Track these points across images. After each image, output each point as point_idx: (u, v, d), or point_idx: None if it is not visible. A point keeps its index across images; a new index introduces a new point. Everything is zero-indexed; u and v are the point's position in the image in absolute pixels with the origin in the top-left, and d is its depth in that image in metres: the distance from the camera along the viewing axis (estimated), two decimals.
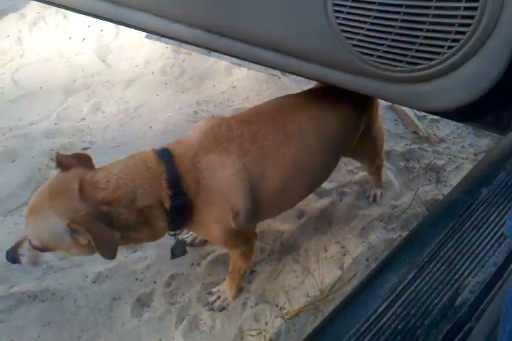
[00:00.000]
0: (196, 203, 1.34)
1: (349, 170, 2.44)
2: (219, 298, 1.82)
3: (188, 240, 2.02)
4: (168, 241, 2.01)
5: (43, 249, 1.25)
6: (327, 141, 1.56)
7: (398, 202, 2.29)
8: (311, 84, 1.84)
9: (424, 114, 2.80)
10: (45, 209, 1.19)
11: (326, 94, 1.65)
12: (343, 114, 1.61)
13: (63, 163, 1.30)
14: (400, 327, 1.20)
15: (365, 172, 2.41)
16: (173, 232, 1.40)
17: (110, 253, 1.19)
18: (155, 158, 1.31)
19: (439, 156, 2.56)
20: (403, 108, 2.78)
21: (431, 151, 2.58)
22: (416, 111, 2.81)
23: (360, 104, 1.67)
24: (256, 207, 1.43)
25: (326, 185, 2.34)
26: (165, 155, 1.33)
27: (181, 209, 1.32)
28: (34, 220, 1.21)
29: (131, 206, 1.24)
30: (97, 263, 1.92)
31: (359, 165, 2.44)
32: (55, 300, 1.82)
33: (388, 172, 2.41)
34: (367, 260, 2.02)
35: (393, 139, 2.63)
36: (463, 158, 2.56)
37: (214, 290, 1.85)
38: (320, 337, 1.27)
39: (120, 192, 1.22)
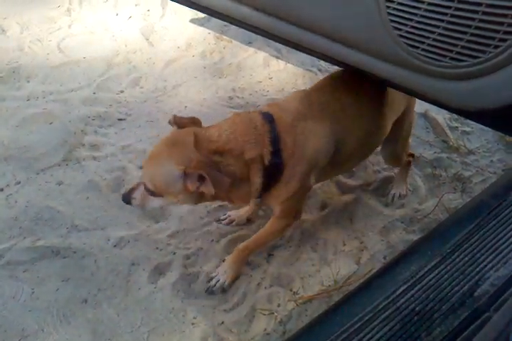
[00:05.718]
0: (288, 163, 1.48)
1: (375, 170, 2.45)
2: (218, 281, 1.81)
3: (226, 222, 2.06)
4: (190, 216, 2.05)
5: (155, 193, 1.43)
6: (387, 110, 1.77)
7: (422, 206, 2.29)
8: None
9: (456, 124, 2.82)
10: (162, 157, 1.39)
11: None
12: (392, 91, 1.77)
13: (178, 122, 1.49)
14: (417, 308, 1.22)
15: (390, 173, 2.42)
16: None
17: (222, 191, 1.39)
18: (260, 118, 1.48)
19: (467, 167, 2.56)
20: (436, 116, 2.79)
21: (459, 162, 2.58)
22: (448, 121, 2.83)
23: None
24: (328, 167, 1.62)
25: (350, 181, 2.36)
26: (269, 117, 1.49)
27: (276, 167, 1.47)
28: (152, 166, 1.41)
29: (239, 157, 1.41)
30: (120, 228, 1.96)
31: (385, 166, 2.46)
32: (76, 258, 1.85)
33: (415, 177, 2.42)
34: (384, 258, 2.02)
35: (423, 146, 2.64)
36: (490, 172, 2.55)
37: (212, 275, 1.84)
38: (336, 312, 1.29)
39: (231, 145, 1.40)
